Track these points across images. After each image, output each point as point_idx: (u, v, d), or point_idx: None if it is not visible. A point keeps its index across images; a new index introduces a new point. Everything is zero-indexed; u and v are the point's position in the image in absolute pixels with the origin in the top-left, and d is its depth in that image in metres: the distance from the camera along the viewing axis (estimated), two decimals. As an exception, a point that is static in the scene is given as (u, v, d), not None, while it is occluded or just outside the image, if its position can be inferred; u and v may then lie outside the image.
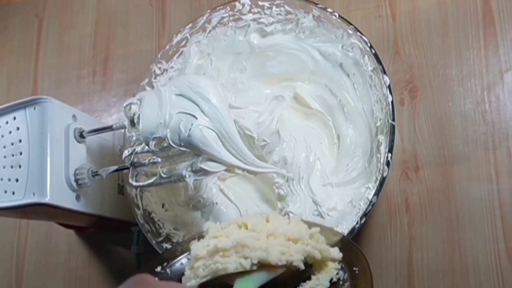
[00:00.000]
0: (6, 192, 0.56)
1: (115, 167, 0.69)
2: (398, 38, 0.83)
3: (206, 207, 0.76)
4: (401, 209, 0.77)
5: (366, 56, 0.70)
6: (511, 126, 0.75)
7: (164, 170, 0.66)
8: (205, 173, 0.65)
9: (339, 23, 0.72)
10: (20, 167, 0.56)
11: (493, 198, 0.73)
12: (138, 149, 0.68)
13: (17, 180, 0.56)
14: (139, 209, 0.74)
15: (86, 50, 0.99)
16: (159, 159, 0.67)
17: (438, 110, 0.78)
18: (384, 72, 0.67)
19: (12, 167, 0.56)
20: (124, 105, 0.66)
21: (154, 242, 0.71)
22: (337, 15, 0.72)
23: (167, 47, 0.79)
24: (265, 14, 0.78)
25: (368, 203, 0.64)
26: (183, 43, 0.80)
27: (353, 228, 0.63)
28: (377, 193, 0.63)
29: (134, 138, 0.73)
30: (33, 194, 0.56)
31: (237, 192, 0.77)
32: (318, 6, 0.73)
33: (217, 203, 0.76)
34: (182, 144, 0.64)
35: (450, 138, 0.77)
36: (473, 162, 0.75)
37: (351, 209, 0.70)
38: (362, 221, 0.62)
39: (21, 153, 0.56)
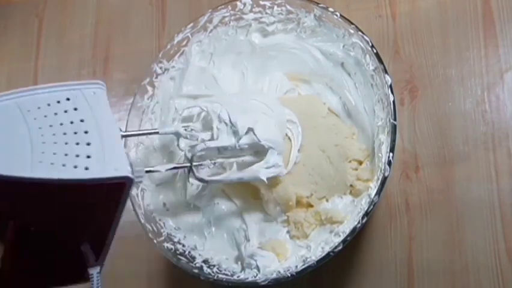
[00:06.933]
0: (76, 167, 0.54)
1: (173, 165, 0.68)
2: (398, 38, 0.83)
3: (207, 206, 0.76)
4: (401, 209, 0.77)
5: (367, 56, 0.70)
6: (511, 126, 0.75)
7: (235, 166, 0.68)
8: (277, 166, 0.69)
9: (341, 23, 0.72)
10: (88, 144, 0.55)
11: (493, 198, 0.73)
12: (199, 148, 0.68)
13: (88, 157, 0.55)
14: (140, 208, 0.74)
15: (86, 50, 1.00)
16: (219, 159, 0.69)
17: (438, 110, 0.79)
18: (386, 72, 0.67)
19: (78, 143, 0.55)
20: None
21: (155, 241, 0.71)
22: (338, 15, 0.72)
23: (169, 46, 0.79)
24: (266, 13, 0.78)
25: (370, 202, 0.64)
26: (184, 42, 0.80)
27: (355, 228, 0.63)
28: (378, 192, 0.63)
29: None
30: (115, 169, 0.55)
31: (237, 192, 0.77)
32: (320, 5, 0.73)
33: (218, 203, 0.76)
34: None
35: (450, 138, 0.77)
36: (473, 162, 0.75)
37: (353, 208, 0.70)
38: (364, 221, 0.62)
39: (86, 132, 0.55)
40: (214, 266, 0.71)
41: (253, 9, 0.78)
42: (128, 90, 0.93)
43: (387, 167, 0.63)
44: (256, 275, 0.68)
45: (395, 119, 0.65)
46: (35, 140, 0.52)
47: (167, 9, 0.97)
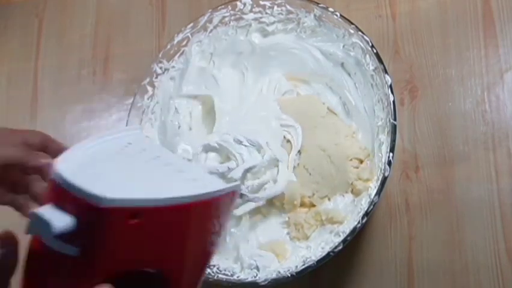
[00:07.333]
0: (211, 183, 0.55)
1: None
2: (398, 38, 0.83)
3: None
4: (401, 209, 0.77)
5: (367, 56, 0.70)
6: (511, 126, 0.75)
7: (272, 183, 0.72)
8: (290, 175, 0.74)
9: (341, 23, 0.72)
10: (182, 171, 0.56)
11: (493, 198, 0.73)
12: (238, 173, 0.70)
13: (194, 180, 0.55)
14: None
15: (86, 50, 0.99)
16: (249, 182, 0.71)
17: (438, 110, 0.79)
18: (386, 72, 0.67)
19: (180, 171, 0.56)
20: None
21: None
22: (338, 15, 0.72)
23: (169, 46, 0.79)
24: (266, 13, 0.78)
25: (370, 202, 0.64)
26: (184, 42, 0.80)
27: (355, 228, 0.63)
28: (378, 192, 0.63)
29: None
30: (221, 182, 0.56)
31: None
32: (320, 5, 0.73)
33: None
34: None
35: (450, 138, 0.77)
36: (473, 162, 0.75)
37: (353, 208, 0.70)
38: (364, 221, 0.62)
39: (171, 164, 0.56)
40: (213, 266, 0.71)
41: (253, 9, 0.78)
42: (128, 90, 0.93)
43: (387, 167, 0.63)
44: (256, 275, 0.68)
45: (395, 119, 0.65)
46: (151, 174, 0.50)
47: (167, 9, 0.97)
